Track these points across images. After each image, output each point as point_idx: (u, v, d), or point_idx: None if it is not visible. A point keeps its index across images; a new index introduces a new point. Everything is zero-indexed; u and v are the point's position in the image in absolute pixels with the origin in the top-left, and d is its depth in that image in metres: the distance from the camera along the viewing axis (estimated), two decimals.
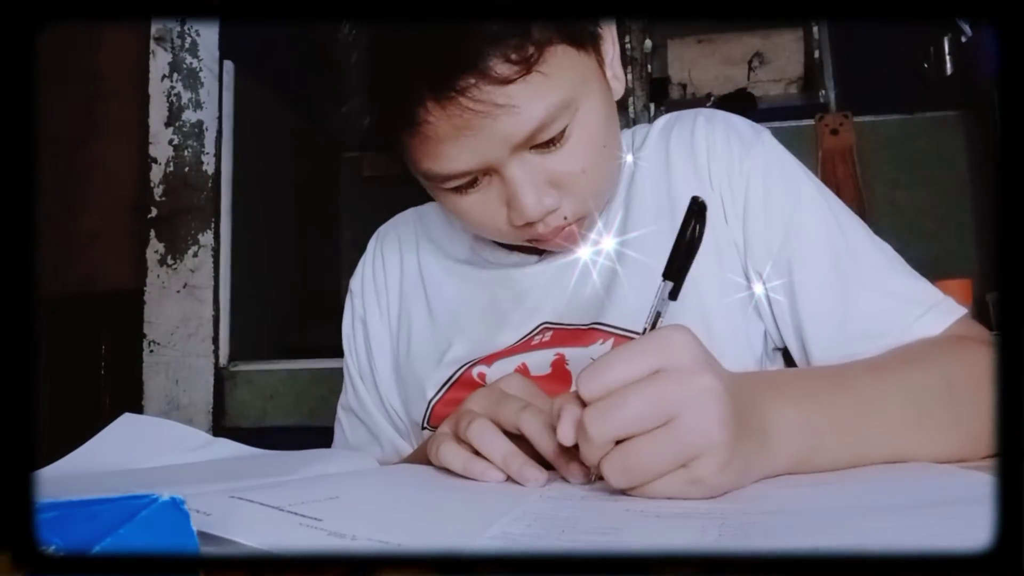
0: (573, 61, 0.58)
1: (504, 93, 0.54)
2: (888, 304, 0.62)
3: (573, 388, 0.44)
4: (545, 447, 0.50)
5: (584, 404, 0.43)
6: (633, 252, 0.69)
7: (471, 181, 0.60)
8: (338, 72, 0.57)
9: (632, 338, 0.64)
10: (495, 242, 0.74)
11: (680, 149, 0.71)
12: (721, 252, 0.67)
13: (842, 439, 0.49)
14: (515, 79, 0.54)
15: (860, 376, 0.56)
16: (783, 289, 0.65)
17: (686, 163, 0.70)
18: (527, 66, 0.54)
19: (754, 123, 0.72)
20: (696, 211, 0.48)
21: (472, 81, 0.53)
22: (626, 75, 2.14)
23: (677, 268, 0.48)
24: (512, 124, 0.55)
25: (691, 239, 0.48)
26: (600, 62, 0.63)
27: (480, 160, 0.58)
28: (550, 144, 0.59)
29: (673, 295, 0.49)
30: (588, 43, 0.60)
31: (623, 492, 0.43)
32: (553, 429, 0.50)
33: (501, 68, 0.53)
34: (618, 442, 0.42)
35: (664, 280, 0.48)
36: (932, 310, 0.62)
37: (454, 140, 0.56)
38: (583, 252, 0.70)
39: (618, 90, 0.66)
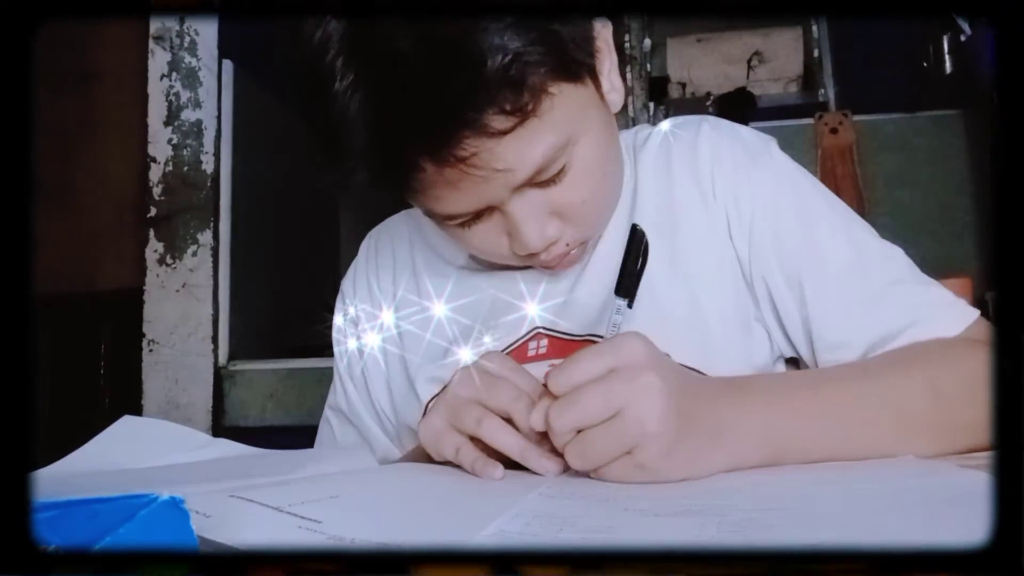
0: (569, 97, 0.56)
1: (501, 153, 0.53)
2: (897, 313, 0.62)
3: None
4: (533, 439, 0.53)
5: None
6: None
7: (474, 217, 0.60)
8: (326, 130, 0.55)
9: None
10: None
11: (682, 157, 0.70)
12: (722, 267, 0.67)
13: (813, 439, 0.53)
14: (512, 130, 0.53)
15: (836, 380, 0.59)
16: (794, 301, 0.65)
17: (687, 172, 0.70)
18: (523, 115, 0.53)
19: (761, 133, 0.71)
20: (637, 241, 0.57)
21: (470, 144, 0.52)
22: (625, 74, 2.15)
23: (626, 288, 0.56)
24: (511, 176, 0.56)
25: (636, 264, 0.57)
26: (597, 85, 0.61)
27: (481, 202, 0.58)
28: (550, 179, 0.58)
29: (629, 305, 0.56)
30: (584, 74, 0.58)
31: (586, 475, 0.50)
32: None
33: (497, 122, 0.52)
34: (580, 431, 0.48)
35: (617, 296, 0.56)
36: (942, 316, 0.63)
37: (454, 188, 0.56)
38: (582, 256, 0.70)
39: (616, 102, 0.64)
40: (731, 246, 0.68)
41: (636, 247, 0.56)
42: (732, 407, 0.51)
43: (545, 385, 0.50)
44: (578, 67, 0.57)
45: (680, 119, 0.75)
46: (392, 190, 0.59)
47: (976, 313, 0.63)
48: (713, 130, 0.70)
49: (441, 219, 0.61)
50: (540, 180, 0.58)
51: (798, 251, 0.65)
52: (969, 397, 0.53)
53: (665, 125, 0.74)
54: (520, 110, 0.52)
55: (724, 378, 0.60)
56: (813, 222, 0.66)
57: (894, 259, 0.66)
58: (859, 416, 0.55)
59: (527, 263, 0.65)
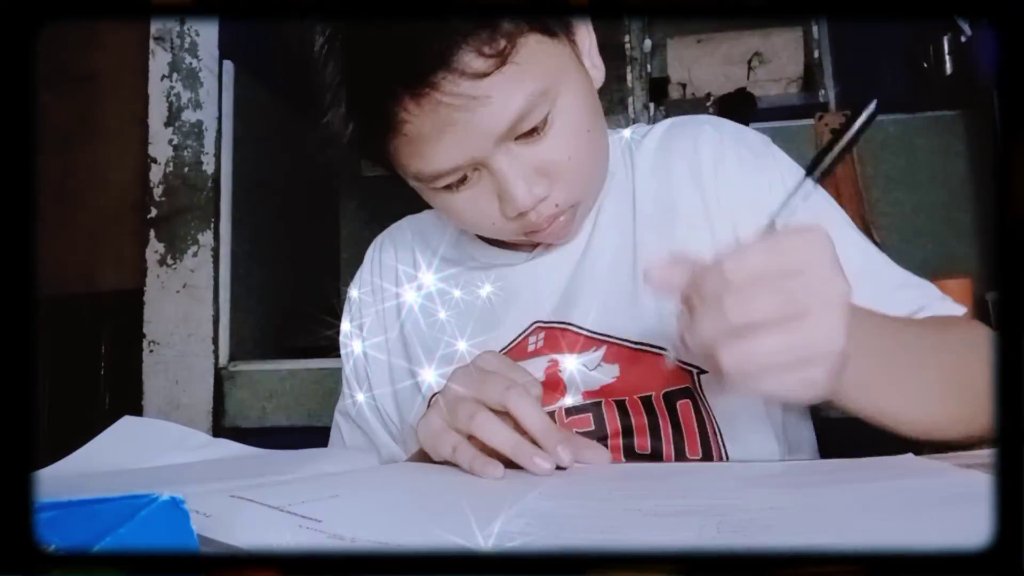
0: (547, 50, 0.58)
1: (479, 86, 0.55)
2: (907, 306, 0.64)
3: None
4: (532, 426, 0.52)
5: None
6: (631, 258, 0.69)
7: (461, 179, 0.61)
8: (317, 86, 0.57)
9: (629, 348, 0.66)
10: (487, 242, 0.74)
11: (684, 157, 0.71)
12: None
13: (892, 382, 0.52)
14: (490, 72, 0.54)
15: (907, 327, 0.58)
16: None
17: (689, 172, 0.70)
18: (501, 59, 0.54)
19: (761, 134, 0.72)
20: (871, 114, 0.47)
21: (445, 75, 0.54)
22: (626, 75, 2.15)
23: (825, 168, 0.47)
24: (491, 116, 0.56)
25: (849, 143, 0.47)
26: (576, 51, 0.63)
27: (465, 155, 0.58)
28: (533, 133, 0.59)
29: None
30: (560, 32, 0.61)
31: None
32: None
33: (475, 64, 0.54)
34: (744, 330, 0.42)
35: (808, 177, 0.47)
36: (945, 301, 0.66)
37: (437, 138, 0.57)
38: (577, 249, 0.70)
39: (598, 79, 0.66)
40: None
41: (865, 124, 0.46)
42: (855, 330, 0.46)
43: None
44: (559, 24, 0.60)
45: (682, 119, 0.75)
46: (376, 146, 0.60)
47: (964, 310, 0.66)
48: (716, 131, 0.71)
49: (430, 181, 0.61)
50: (523, 132, 0.58)
51: None
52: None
53: (666, 123, 0.75)
54: (498, 54, 0.54)
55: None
56: (827, 219, 0.67)
57: (890, 261, 0.69)
58: (931, 365, 0.54)
59: (519, 231, 0.65)
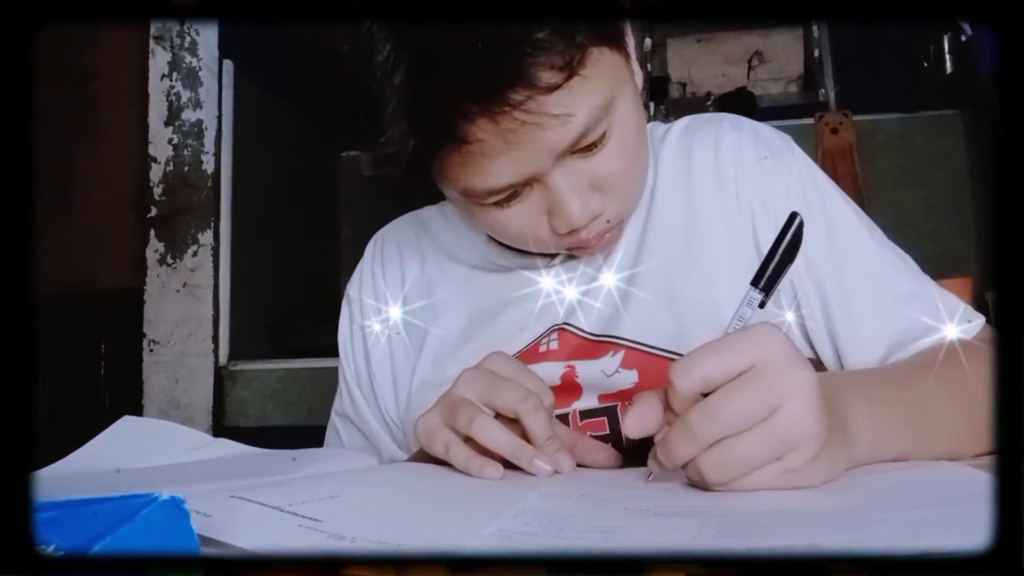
0: (608, 60, 0.57)
1: (555, 102, 0.53)
2: (923, 313, 0.64)
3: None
4: (539, 441, 0.52)
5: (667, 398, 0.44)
6: (652, 261, 0.68)
7: (512, 194, 0.59)
8: (373, 100, 0.53)
9: (647, 353, 0.66)
10: (504, 244, 0.72)
11: (703, 157, 0.70)
12: (740, 265, 0.67)
13: (904, 433, 0.51)
14: (560, 85, 0.52)
15: (912, 375, 0.58)
16: (819, 299, 0.66)
17: (708, 173, 0.69)
18: (570, 71, 0.52)
19: (780, 132, 0.71)
20: (796, 228, 0.48)
21: (524, 94, 0.52)
22: None
23: (768, 280, 0.48)
24: (560, 132, 0.54)
25: (787, 253, 0.48)
26: (627, 57, 0.62)
27: (526, 171, 0.56)
28: (591, 147, 0.58)
29: (761, 305, 0.49)
30: (619, 39, 0.59)
31: (696, 486, 0.44)
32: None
33: (547, 76, 0.52)
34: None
35: (752, 287, 0.48)
36: (961, 317, 0.64)
37: (502, 154, 0.54)
38: (598, 255, 0.69)
39: (639, 85, 0.65)
40: (753, 245, 0.68)
41: (796, 237, 0.47)
42: (847, 403, 0.48)
43: (669, 381, 0.44)
44: (615, 30, 0.58)
45: (700, 116, 0.74)
46: (428, 162, 0.57)
47: (983, 319, 0.65)
48: (734, 129, 0.70)
49: (481, 197, 0.59)
50: (583, 146, 0.57)
51: (827, 250, 0.66)
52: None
53: (683, 122, 0.74)
54: (567, 66, 0.52)
55: (827, 373, 0.59)
56: (840, 222, 0.67)
57: (909, 262, 0.68)
58: (937, 409, 0.54)
59: (565, 244, 0.63)
